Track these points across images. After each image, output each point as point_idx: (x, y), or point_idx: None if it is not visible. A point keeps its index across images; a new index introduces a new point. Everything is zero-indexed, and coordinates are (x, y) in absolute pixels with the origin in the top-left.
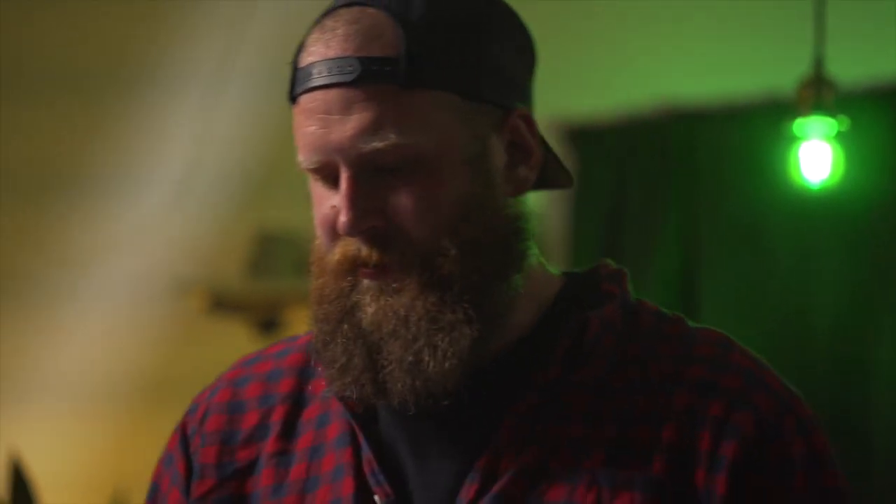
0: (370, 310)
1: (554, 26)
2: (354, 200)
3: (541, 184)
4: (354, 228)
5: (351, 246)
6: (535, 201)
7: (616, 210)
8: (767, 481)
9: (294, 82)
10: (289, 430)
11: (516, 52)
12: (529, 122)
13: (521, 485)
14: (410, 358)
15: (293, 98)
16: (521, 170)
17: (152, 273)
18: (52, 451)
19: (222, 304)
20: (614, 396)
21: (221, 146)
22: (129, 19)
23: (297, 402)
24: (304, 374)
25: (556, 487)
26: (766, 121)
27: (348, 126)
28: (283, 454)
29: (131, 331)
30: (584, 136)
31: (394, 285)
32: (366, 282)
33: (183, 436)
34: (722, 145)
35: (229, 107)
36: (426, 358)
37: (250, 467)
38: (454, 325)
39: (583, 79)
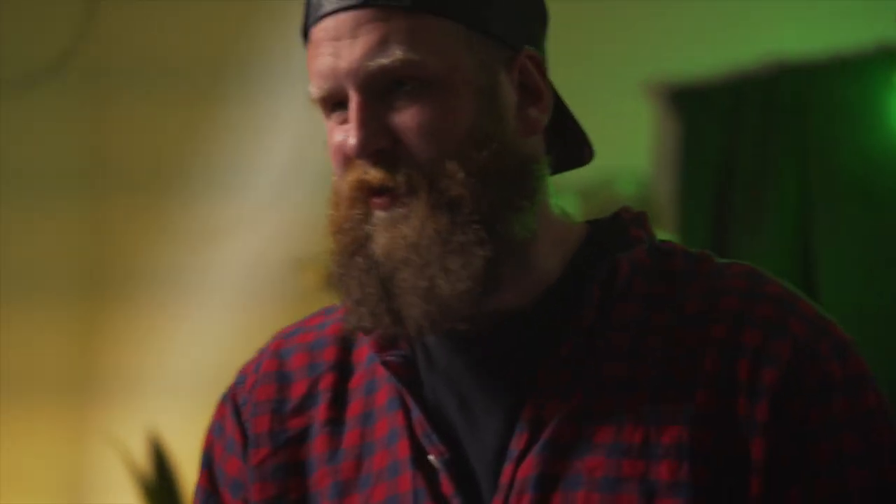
0: (381, 241)
1: None
2: (363, 121)
3: (566, 160)
4: (364, 149)
5: (359, 170)
6: (641, 165)
7: (725, 170)
8: (808, 405)
9: (306, 19)
10: (338, 398)
11: None
12: (539, 64)
13: (569, 429)
14: (424, 283)
15: (306, 34)
16: (532, 111)
17: (270, 253)
18: (185, 429)
19: None
20: (649, 336)
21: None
22: (242, 16)
23: (343, 370)
24: (346, 343)
25: (603, 429)
26: (876, 72)
27: (356, 49)
28: (335, 422)
29: (253, 307)
30: (691, 95)
31: (401, 211)
32: (377, 213)
33: (234, 405)
34: (832, 99)
35: None
36: (440, 282)
37: (303, 435)
38: (465, 247)
39: (687, 36)
